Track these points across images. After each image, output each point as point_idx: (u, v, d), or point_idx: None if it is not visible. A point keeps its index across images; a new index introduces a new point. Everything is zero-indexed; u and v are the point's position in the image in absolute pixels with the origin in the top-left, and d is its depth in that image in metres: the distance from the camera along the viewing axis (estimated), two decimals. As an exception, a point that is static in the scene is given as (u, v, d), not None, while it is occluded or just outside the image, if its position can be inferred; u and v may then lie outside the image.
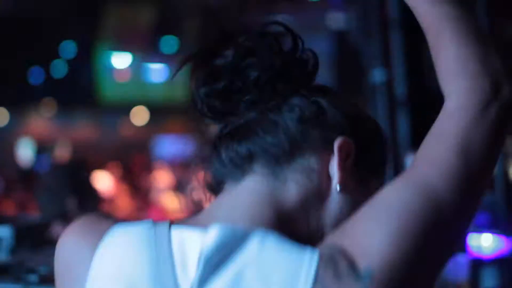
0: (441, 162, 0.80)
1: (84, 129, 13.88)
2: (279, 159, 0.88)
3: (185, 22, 15.43)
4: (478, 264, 3.46)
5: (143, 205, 7.35)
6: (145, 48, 14.12)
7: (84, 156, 9.35)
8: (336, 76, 12.22)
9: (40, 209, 2.93)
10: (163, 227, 0.84)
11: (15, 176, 9.69)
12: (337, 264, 0.76)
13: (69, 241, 0.88)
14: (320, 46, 12.95)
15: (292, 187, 0.87)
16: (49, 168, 2.93)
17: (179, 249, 0.82)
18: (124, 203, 7.23)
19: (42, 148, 13.43)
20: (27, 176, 9.19)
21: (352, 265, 0.76)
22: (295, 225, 0.86)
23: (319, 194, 0.88)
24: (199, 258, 0.79)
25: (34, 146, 13.68)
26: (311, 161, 0.88)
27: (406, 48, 3.25)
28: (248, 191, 0.88)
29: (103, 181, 7.21)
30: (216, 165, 0.91)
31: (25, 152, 13.64)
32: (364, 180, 0.92)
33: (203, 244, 0.79)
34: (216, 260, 0.78)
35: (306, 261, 0.77)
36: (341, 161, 0.89)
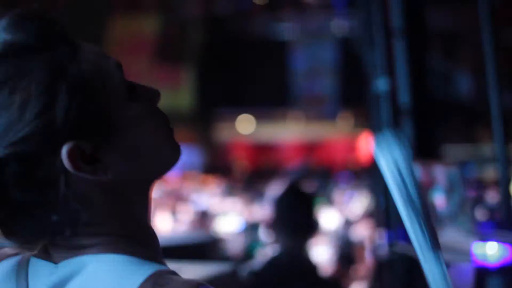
0: None
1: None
2: None
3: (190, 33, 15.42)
4: (483, 272, 3.45)
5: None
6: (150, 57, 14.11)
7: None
8: (340, 84, 12.19)
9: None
10: (27, 258, 0.89)
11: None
12: None
13: None
14: (324, 53, 12.95)
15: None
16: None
17: (33, 281, 0.86)
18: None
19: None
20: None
21: None
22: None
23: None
24: None
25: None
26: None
27: (409, 56, 3.25)
28: None
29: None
30: None
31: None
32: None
33: (51, 275, 0.85)
34: None
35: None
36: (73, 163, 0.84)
